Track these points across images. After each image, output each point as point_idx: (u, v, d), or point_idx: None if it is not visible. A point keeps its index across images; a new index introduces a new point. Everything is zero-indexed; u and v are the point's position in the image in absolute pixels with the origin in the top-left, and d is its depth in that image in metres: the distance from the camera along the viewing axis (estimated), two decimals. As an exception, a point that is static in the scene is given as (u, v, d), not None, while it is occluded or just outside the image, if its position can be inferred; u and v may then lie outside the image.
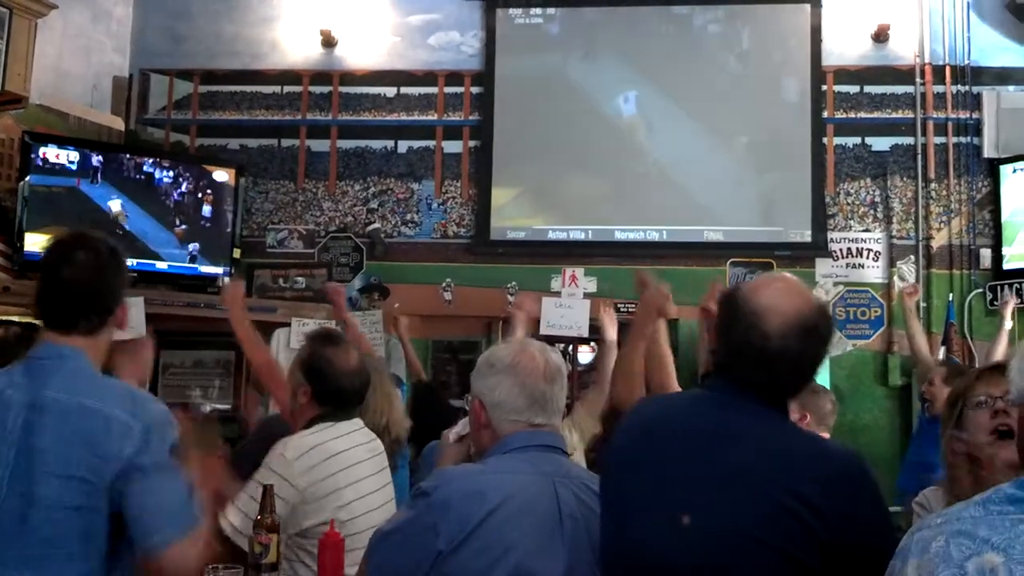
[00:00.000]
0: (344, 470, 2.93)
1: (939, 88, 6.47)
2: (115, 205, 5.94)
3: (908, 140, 6.47)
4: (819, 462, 1.77)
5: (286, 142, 6.87)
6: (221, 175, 6.29)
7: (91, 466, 2.03)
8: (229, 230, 6.27)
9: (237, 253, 6.31)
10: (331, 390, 3.04)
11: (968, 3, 6.49)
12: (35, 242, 5.53)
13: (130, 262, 5.76)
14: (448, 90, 6.83)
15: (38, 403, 2.06)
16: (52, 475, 2.01)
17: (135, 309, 5.39)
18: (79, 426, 2.06)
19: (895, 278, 6.31)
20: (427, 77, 6.84)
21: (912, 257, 6.33)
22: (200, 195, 6.20)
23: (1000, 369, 2.34)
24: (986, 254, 6.24)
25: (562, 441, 2.29)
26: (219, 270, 6.20)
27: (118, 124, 6.69)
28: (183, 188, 6.17)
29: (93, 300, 2.18)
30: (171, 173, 6.15)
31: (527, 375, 2.24)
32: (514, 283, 6.49)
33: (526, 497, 2.10)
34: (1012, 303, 5.74)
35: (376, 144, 6.83)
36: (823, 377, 5.39)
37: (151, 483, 2.06)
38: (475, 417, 2.29)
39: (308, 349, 3.14)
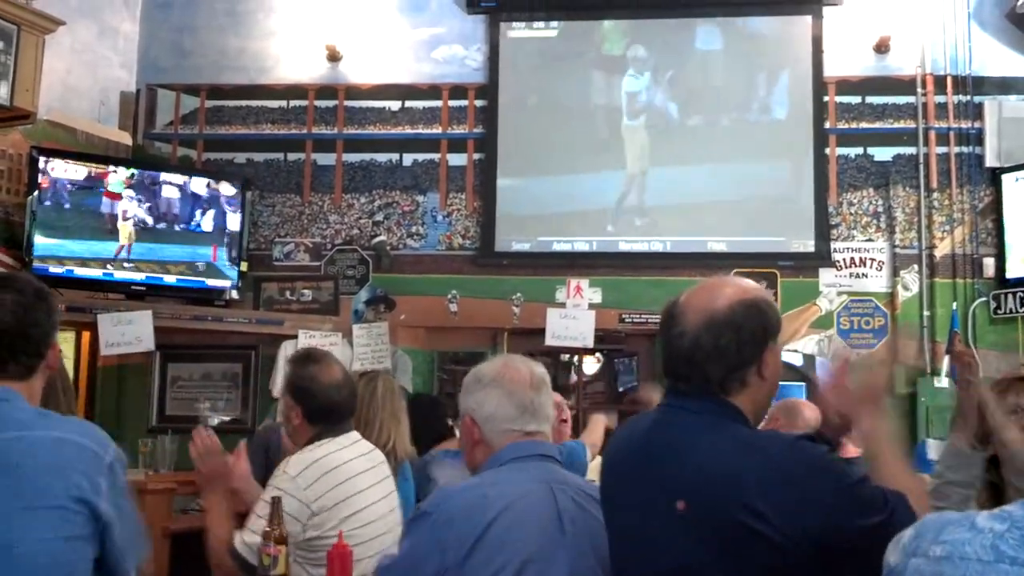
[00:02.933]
0: (347, 481, 2.96)
1: (940, 98, 6.50)
2: (123, 220, 5.98)
3: (910, 150, 6.50)
4: (755, 466, 1.77)
5: (292, 156, 6.92)
6: (228, 189, 6.33)
7: (74, 495, 1.98)
8: (236, 243, 6.31)
9: (244, 266, 6.35)
10: (320, 407, 3.07)
11: (969, 13, 6.51)
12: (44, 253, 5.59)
13: (139, 276, 5.87)
14: (452, 103, 6.87)
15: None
16: (34, 509, 1.94)
17: (143, 323, 5.45)
18: (52, 456, 2.00)
19: (899, 287, 6.33)
20: (431, 91, 6.89)
21: (915, 266, 6.35)
22: (207, 209, 6.25)
23: None
24: (989, 263, 6.26)
25: (555, 450, 2.34)
26: (226, 283, 6.24)
27: (125, 139, 6.74)
28: (190, 202, 6.21)
29: (21, 343, 2.09)
30: (178, 187, 6.19)
31: (514, 385, 2.29)
32: (519, 294, 6.52)
33: (526, 504, 2.13)
34: None
35: (381, 157, 6.87)
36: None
37: (121, 513, 2.05)
38: (468, 434, 2.32)
39: (291, 371, 3.17)
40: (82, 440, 2.05)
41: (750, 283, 2.02)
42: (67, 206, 5.82)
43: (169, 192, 6.15)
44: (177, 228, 6.15)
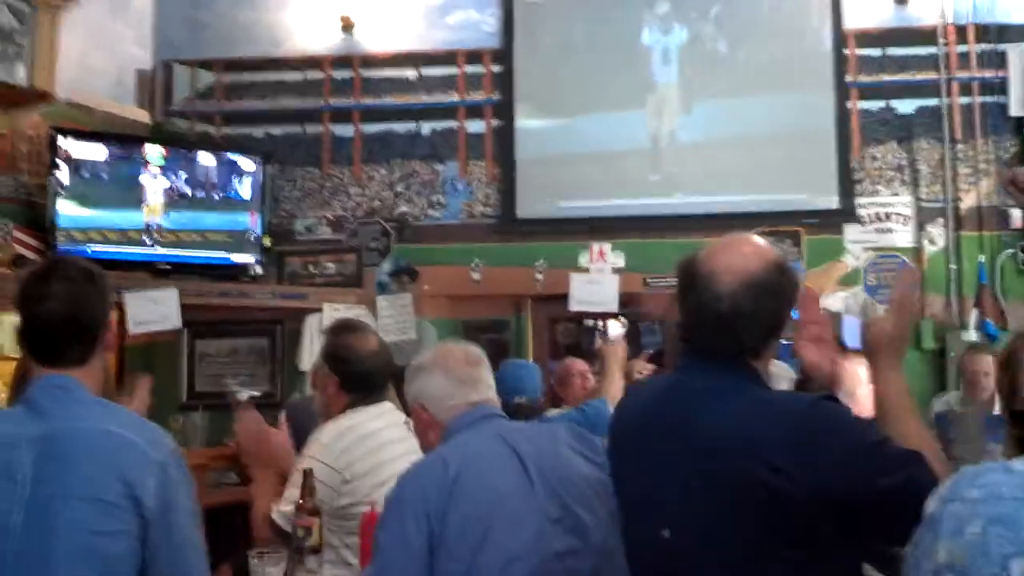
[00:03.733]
0: (380, 448, 3.00)
1: (963, 48, 6.40)
2: (150, 196, 6.00)
3: (933, 102, 6.41)
4: (778, 425, 1.77)
5: (310, 128, 6.90)
6: (248, 163, 6.33)
7: (119, 490, 1.97)
8: (259, 218, 6.32)
9: (267, 241, 6.36)
10: (356, 375, 3.13)
11: (990, -41, 6.41)
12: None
13: (163, 252, 5.89)
14: (468, 69, 6.83)
15: (50, 435, 2.00)
16: (77, 500, 1.95)
17: (169, 301, 5.48)
18: (101, 449, 2.01)
19: (925, 241, 6.27)
20: (447, 57, 6.84)
21: (941, 220, 6.29)
22: (229, 184, 6.25)
23: None
24: (1016, 214, 6.18)
25: (500, 410, 2.50)
26: (251, 259, 6.26)
27: (144, 117, 6.74)
28: (212, 178, 6.21)
29: (75, 331, 2.11)
30: (199, 163, 6.19)
31: (450, 364, 2.47)
32: (542, 260, 6.50)
33: (483, 456, 2.28)
34: None
35: (399, 127, 6.84)
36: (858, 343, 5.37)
37: (174, 515, 2.03)
38: (419, 420, 2.50)
39: (328, 341, 3.23)
40: (133, 436, 2.04)
41: (765, 242, 1.98)
42: (98, 178, 5.83)
43: (190, 169, 6.14)
44: (199, 205, 6.15)
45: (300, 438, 3.37)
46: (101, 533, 1.94)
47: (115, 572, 1.97)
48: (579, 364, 5.22)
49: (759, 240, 1.97)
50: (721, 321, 1.85)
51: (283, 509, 2.83)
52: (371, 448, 2.99)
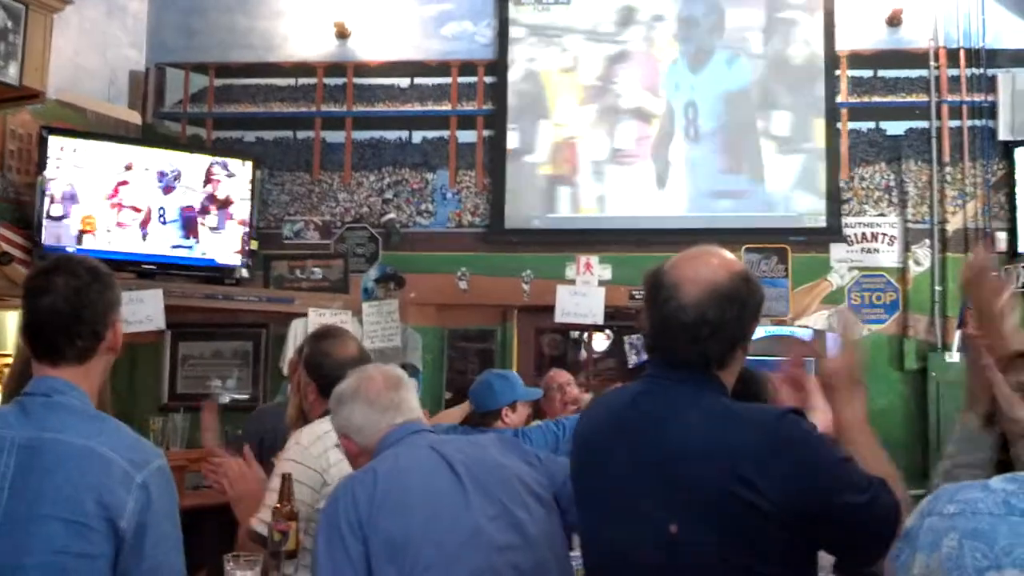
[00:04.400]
0: None
1: (953, 71, 6.44)
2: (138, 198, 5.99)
3: (923, 124, 6.45)
4: (748, 437, 1.77)
5: (301, 134, 6.91)
6: (237, 167, 6.33)
7: (94, 512, 1.92)
8: (246, 222, 6.31)
9: (254, 245, 6.36)
10: (334, 381, 3.10)
11: (981, -15, 6.45)
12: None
13: (149, 252, 5.87)
14: (462, 80, 6.85)
15: (34, 443, 1.96)
16: (51, 519, 1.90)
17: (153, 301, 5.47)
18: (81, 468, 1.95)
19: (910, 262, 6.30)
20: (441, 67, 6.86)
21: (927, 241, 6.32)
22: (217, 188, 6.24)
23: None
24: (1001, 237, 6.22)
25: (426, 425, 2.51)
26: (236, 262, 6.25)
27: (135, 118, 6.74)
28: (201, 181, 6.21)
29: (76, 326, 2.07)
30: (188, 166, 6.19)
31: (371, 392, 2.47)
32: (529, 272, 6.51)
33: (412, 465, 2.31)
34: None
35: (390, 135, 6.85)
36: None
37: (151, 536, 1.97)
38: (348, 452, 2.51)
39: (308, 348, 3.22)
40: (115, 456, 1.98)
41: (730, 254, 2.00)
42: (87, 177, 5.83)
43: (179, 171, 6.13)
44: (187, 207, 6.14)
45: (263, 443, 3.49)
46: (74, 554, 1.90)
47: None
48: (562, 375, 5.22)
49: (725, 252, 1.99)
50: (686, 331, 1.86)
51: (263, 517, 2.81)
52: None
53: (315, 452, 2.91)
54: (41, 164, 5.67)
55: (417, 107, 6.86)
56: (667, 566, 1.80)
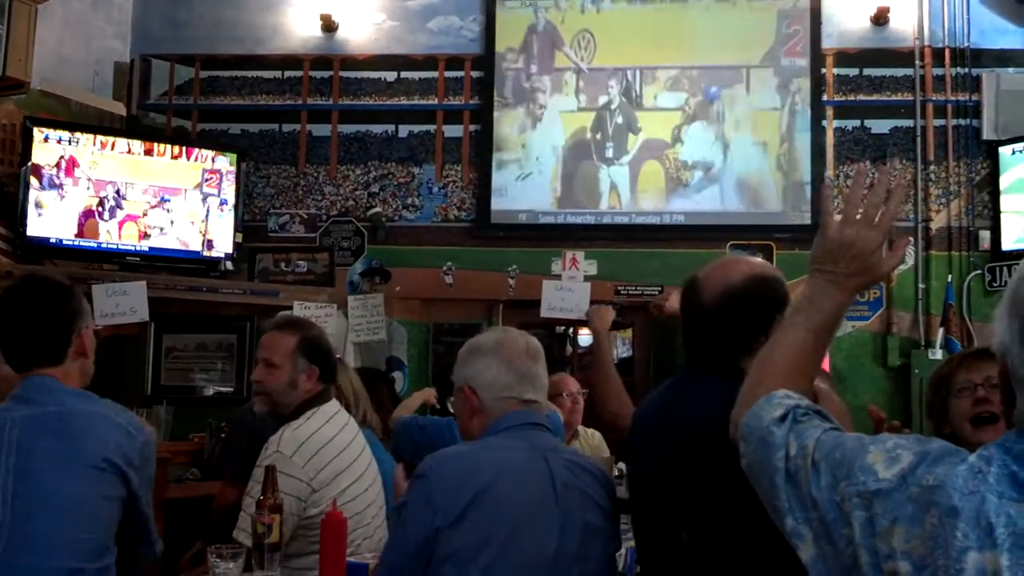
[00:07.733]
0: (340, 454, 2.97)
1: (938, 70, 6.47)
2: (121, 190, 5.95)
3: (907, 123, 6.48)
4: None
5: (287, 127, 6.88)
6: (222, 160, 6.29)
7: (109, 460, 2.25)
8: (231, 215, 6.28)
9: (239, 237, 6.33)
10: (331, 365, 3.15)
11: (967, -16, 6.48)
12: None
13: (133, 246, 5.84)
14: (448, 74, 6.84)
15: (38, 414, 2.24)
16: (74, 466, 2.20)
17: (137, 293, 5.44)
18: (91, 426, 2.27)
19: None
20: (427, 61, 6.85)
21: (911, 239, 6.35)
22: (201, 180, 6.20)
23: (980, 355, 2.36)
24: (985, 236, 6.27)
25: (548, 421, 2.40)
26: (221, 254, 6.22)
27: (120, 109, 6.69)
28: (185, 173, 6.17)
29: (45, 336, 2.35)
30: (172, 158, 6.15)
31: (512, 354, 2.35)
32: (515, 266, 6.52)
33: (520, 468, 2.21)
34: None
35: (377, 128, 6.84)
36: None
37: (146, 492, 2.35)
38: (467, 404, 2.36)
39: (302, 334, 3.14)
40: (117, 419, 2.33)
41: (762, 261, 2.30)
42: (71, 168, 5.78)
43: (163, 163, 6.09)
44: (171, 199, 6.10)
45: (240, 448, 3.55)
46: (98, 496, 2.23)
47: (99, 531, 2.23)
48: (572, 384, 5.16)
49: (751, 258, 2.27)
50: (703, 325, 2.12)
51: (243, 527, 2.75)
52: (332, 455, 2.93)
53: (300, 460, 2.86)
54: (25, 155, 5.63)
55: (403, 101, 6.84)
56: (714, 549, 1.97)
